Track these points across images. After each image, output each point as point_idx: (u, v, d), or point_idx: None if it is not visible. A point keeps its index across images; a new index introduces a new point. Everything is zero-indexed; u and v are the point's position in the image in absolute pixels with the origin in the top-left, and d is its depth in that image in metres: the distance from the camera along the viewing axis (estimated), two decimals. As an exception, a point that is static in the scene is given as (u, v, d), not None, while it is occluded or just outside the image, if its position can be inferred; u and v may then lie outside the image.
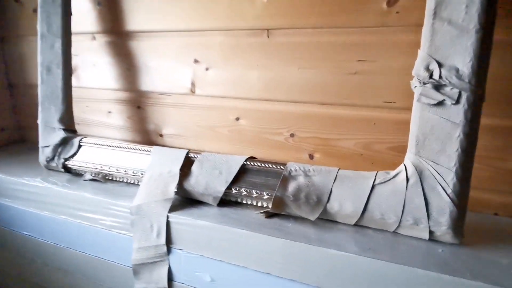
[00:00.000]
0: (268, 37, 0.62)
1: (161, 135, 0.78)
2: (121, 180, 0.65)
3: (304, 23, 0.59)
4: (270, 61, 0.63)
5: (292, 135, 0.65)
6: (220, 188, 0.55)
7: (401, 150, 0.57)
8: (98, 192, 0.61)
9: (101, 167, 0.65)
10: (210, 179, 0.55)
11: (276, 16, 0.60)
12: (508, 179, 0.53)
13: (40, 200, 0.66)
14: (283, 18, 0.60)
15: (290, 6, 0.59)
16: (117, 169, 0.64)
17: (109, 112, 0.82)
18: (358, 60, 0.56)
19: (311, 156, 0.65)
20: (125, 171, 0.63)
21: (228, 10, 0.63)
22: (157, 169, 0.58)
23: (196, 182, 0.56)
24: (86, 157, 0.68)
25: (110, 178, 0.66)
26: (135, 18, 0.72)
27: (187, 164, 0.59)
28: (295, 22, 0.59)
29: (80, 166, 0.67)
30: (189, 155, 0.59)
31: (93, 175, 0.66)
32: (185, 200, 0.58)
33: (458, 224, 0.44)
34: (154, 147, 0.62)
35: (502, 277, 0.39)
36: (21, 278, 0.76)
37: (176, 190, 0.56)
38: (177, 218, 0.54)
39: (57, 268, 0.69)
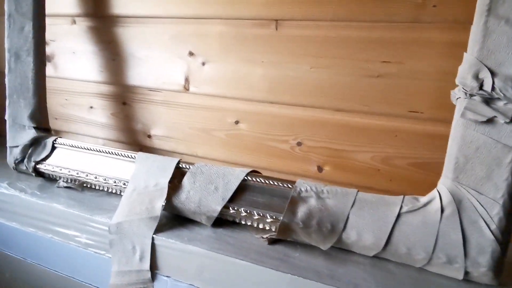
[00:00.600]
0: (276, 29, 0.53)
1: (149, 136, 0.69)
2: (100, 188, 0.56)
3: (320, 14, 0.50)
4: (278, 57, 0.54)
5: (299, 144, 0.57)
6: (215, 206, 0.46)
7: (426, 167, 0.50)
8: (73, 204, 0.53)
9: (77, 173, 0.56)
10: (204, 195, 0.47)
11: (287, 5, 0.51)
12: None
13: (6, 208, 0.57)
14: (296, 7, 0.51)
15: (304, -7, 0.50)
16: (96, 177, 0.55)
17: (91, 107, 0.72)
18: (383, 61, 0.48)
19: (320, 169, 0.57)
20: (105, 179, 0.54)
21: (230, -5, 0.54)
22: (142, 180, 0.50)
23: (187, 198, 0.48)
24: (61, 161, 0.59)
25: (88, 186, 0.57)
26: (121, 1, 0.62)
27: (178, 175, 0.50)
28: (309, 13, 0.50)
29: (53, 171, 0.58)
30: (180, 165, 0.51)
31: (68, 181, 0.57)
32: (174, 217, 0.50)
33: (499, 265, 0.37)
34: (139, 153, 0.53)
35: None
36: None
37: (163, 205, 0.48)
38: (164, 240, 0.45)
39: (27, 284, 0.61)
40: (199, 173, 0.49)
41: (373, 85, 0.50)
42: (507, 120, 0.34)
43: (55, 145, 0.60)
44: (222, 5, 0.55)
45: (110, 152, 0.55)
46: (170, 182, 0.49)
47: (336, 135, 0.54)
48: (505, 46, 0.34)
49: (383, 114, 0.50)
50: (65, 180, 0.58)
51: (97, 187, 0.56)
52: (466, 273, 0.37)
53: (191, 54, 0.60)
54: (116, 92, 0.69)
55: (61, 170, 0.58)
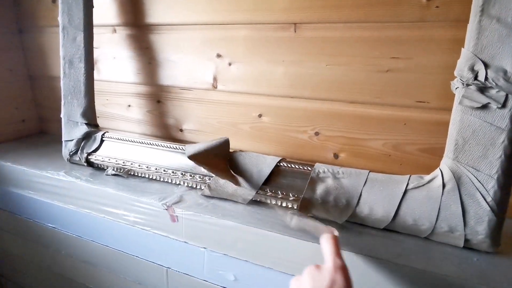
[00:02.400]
0: (295, 31, 0.60)
1: (181, 130, 0.77)
2: (143, 175, 0.65)
3: (335, 17, 0.56)
4: (297, 57, 0.61)
5: (316, 134, 0.63)
6: (251, 191, 0.54)
7: (433, 152, 0.55)
8: (121, 188, 0.61)
9: (123, 162, 0.65)
10: (241, 181, 0.55)
11: (304, 10, 0.58)
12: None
13: (63, 193, 0.66)
14: (312, 11, 0.57)
15: (320, -1, 0.56)
16: (139, 165, 0.64)
17: (129, 105, 0.81)
18: (392, 57, 0.54)
19: (336, 156, 0.63)
20: (147, 167, 0.63)
21: (253, 3, 0.61)
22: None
23: (226, 182, 0.55)
24: (109, 152, 0.68)
25: (132, 174, 0.66)
26: (156, 11, 0.70)
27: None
28: (324, 16, 0.57)
29: (102, 161, 0.67)
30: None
31: (116, 170, 0.66)
32: (210, 198, 0.58)
33: (496, 233, 0.42)
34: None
35: (545, 291, 0.37)
36: (46, 268, 0.77)
37: (204, 188, 0.56)
38: (200, 216, 0.53)
39: (81, 260, 0.70)
40: (234, 162, 0.57)
41: (384, 79, 0.55)
42: (499, 106, 0.39)
43: (104, 138, 0.69)
44: (247, 12, 0.62)
45: (151, 143, 0.64)
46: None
47: (350, 125, 0.60)
48: (497, 41, 0.39)
49: (393, 105, 0.56)
50: (113, 169, 0.66)
51: (140, 174, 0.65)
52: (466, 241, 0.43)
53: (218, 56, 0.67)
54: (152, 92, 0.77)
55: (109, 160, 0.67)
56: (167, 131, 0.79)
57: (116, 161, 0.66)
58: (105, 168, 0.68)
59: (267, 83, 0.64)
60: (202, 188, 0.58)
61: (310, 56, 0.59)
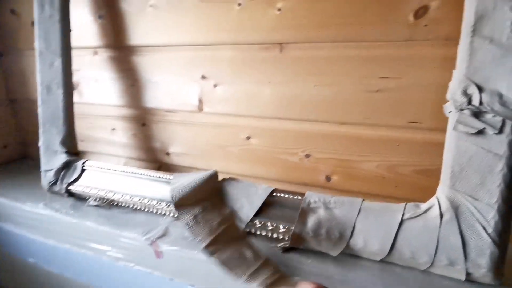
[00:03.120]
0: (281, 51, 0.57)
1: (167, 153, 0.74)
2: (126, 206, 0.61)
3: (321, 36, 0.54)
4: (284, 77, 0.58)
5: (307, 156, 0.61)
6: (240, 224, 0.51)
7: (428, 174, 0.53)
8: (103, 221, 0.58)
9: (105, 192, 0.62)
10: (230, 213, 0.52)
11: (290, 29, 0.55)
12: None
13: (43, 227, 0.63)
14: (298, 31, 0.55)
15: (306, 18, 0.54)
16: (122, 195, 0.60)
17: (113, 129, 0.78)
18: (381, 77, 0.52)
19: (328, 178, 0.60)
20: (130, 197, 0.60)
21: (238, 23, 0.59)
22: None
23: (214, 217, 0.52)
24: (90, 182, 0.64)
25: (115, 204, 0.63)
26: (138, 32, 0.68)
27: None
28: (311, 36, 0.54)
29: (83, 191, 0.64)
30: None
31: (97, 200, 0.63)
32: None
33: (498, 265, 0.39)
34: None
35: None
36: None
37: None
38: (186, 252, 0.50)
39: (63, 296, 0.66)
40: (224, 191, 0.54)
41: (373, 99, 0.53)
42: (496, 131, 0.37)
43: (84, 167, 0.66)
44: (231, 32, 0.60)
45: (134, 173, 0.61)
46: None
47: (342, 146, 0.58)
48: (490, 63, 0.37)
49: (385, 126, 0.54)
50: (94, 199, 0.63)
51: (123, 205, 0.62)
52: (468, 274, 0.40)
53: (203, 77, 0.65)
54: (136, 114, 0.74)
55: (90, 190, 0.63)
56: (153, 155, 0.76)
57: (98, 191, 0.63)
58: (87, 198, 0.65)
59: (255, 104, 0.62)
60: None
61: (297, 77, 0.57)
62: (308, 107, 0.58)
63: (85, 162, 0.66)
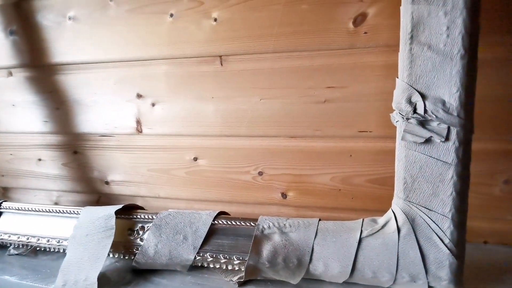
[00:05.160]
0: (221, 64, 0.53)
1: (107, 183, 0.66)
2: (55, 251, 0.52)
3: (262, 47, 0.51)
4: (227, 92, 0.54)
5: (260, 173, 0.57)
6: (187, 256, 0.45)
7: (382, 182, 0.52)
8: (27, 274, 0.48)
9: (27, 238, 0.52)
10: (173, 247, 0.45)
11: (228, 41, 0.51)
12: (495, 205, 0.49)
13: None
14: (237, 42, 0.51)
15: (244, 28, 0.51)
16: (48, 240, 0.51)
17: (39, 159, 0.68)
18: (327, 86, 0.50)
19: (284, 195, 0.57)
20: (58, 241, 0.51)
21: (171, 35, 0.54)
22: (73, 274, 0.45)
23: (157, 253, 0.45)
24: (9, 227, 0.54)
25: (41, 249, 0.53)
26: (58, 48, 0.60)
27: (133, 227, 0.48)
28: (251, 47, 0.51)
29: (1, 238, 0.54)
30: (137, 216, 0.48)
31: (19, 248, 0.53)
32: (139, 271, 0.47)
33: (458, 276, 0.38)
34: (71, 236, 0.48)
35: None
36: None
37: (133, 264, 0.46)
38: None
39: None
40: (164, 224, 0.47)
41: (322, 110, 0.51)
42: (442, 139, 0.36)
43: (1, 210, 0.55)
44: (164, 46, 0.54)
45: (61, 211, 0.52)
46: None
47: (294, 161, 0.55)
48: (431, 70, 0.36)
49: (335, 137, 0.52)
50: (15, 247, 0.53)
51: (51, 250, 0.52)
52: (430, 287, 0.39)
53: (139, 96, 0.58)
54: (65, 142, 0.65)
55: (9, 237, 0.53)
56: (90, 185, 0.67)
57: (19, 237, 0.53)
58: (7, 246, 0.54)
59: (198, 122, 0.57)
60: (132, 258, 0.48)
61: (241, 91, 0.53)
62: (256, 122, 0.54)
63: (1, 203, 0.55)
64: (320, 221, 0.43)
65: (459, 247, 0.37)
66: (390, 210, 0.41)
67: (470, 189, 0.49)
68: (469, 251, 0.48)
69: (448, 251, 0.37)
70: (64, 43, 0.59)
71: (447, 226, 0.37)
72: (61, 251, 0.52)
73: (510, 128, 0.46)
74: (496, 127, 0.46)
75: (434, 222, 0.38)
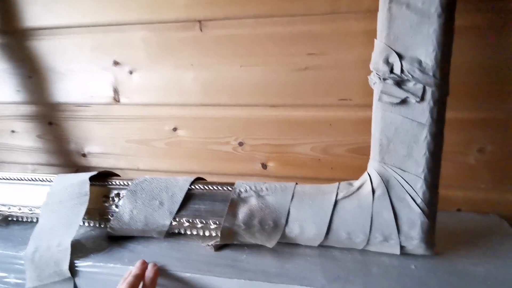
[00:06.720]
0: (201, 30, 0.52)
1: (84, 155, 0.64)
2: (27, 220, 0.51)
3: (242, 12, 0.49)
4: (207, 59, 0.53)
5: (240, 144, 0.56)
6: (164, 222, 0.44)
7: (362, 152, 0.52)
8: (-3, 242, 0.47)
9: (-1, 207, 0.51)
10: (149, 213, 0.44)
11: (208, 5, 0.50)
12: (470, 174, 0.50)
13: None
14: (217, 7, 0.50)
15: (224, -8, 0.49)
16: (19, 208, 0.50)
17: (13, 131, 0.65)
18: (308, 53, 0.49)
19: (264, 166, 0.57)
20: (30, 209, 0.49)
21: (149, -1, 0.52)
22: (45, 240, 0.44)
23: (132, 218, 0.45)
24: (-22, 196, 0.52)
25: (14, 219, 0.52)
26: (31, 12, 0.57)
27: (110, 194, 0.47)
28: (231, 11, 0.50)
29: (-30, 208, 0.52)
30: (112, 182, 0.47)
31: (-10, 217, 0.51)
32: (114, 238, 0.47)
33: (429, 235, 0.39)
34: (44, 204, 0.47)
35: (482, 293, 0.35)
36: None
37: (108, 230, 0.45)
38: (101, 267, 0.42)
39: None
40: (139, 190, 0.46)
41: (303, 78, 0.50)
42: (418, 100, 0.36)
43: (-31, 179, 0.53)
44: (141, 10, 0.52)
45: (33, 179, 0.50)
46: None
47: (275, 131, 0.54)
48: (409, 30, 0.36)
49: (316, 105, 0.51)
50: (-15, 217, 0.51)
51: (23, 219, 0.51)
52: (402, 247, 0.39)
53: (116, 63, 0.56)
54: (40, 112, 0.63)
55: (-21, 206, 0.51)
56: (67, 158, 0.65)
57: (-11, 206, 0.51)
58: (-24, 216, 0.52)
59: (178, 91, 0.55)
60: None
61: (221, 58, 0.52)
62: (237, 90, 0.53)
63: (-31, 172, 0.53)
64: (296, 185, 0.43)
65: (430, 207, 0.38)
66: (365, 172, 0.41)
67: (446, 158, 0.50)
68: (443, 218, 0.50)
69: (420, 211, 0.38)
70: (37, 6, 0.56)
71: (419, 186, 0.38)
72: (34, 220, 0.51)
73: (484, 97, 0.46)
74: (470, 96, 0.46)
75: (407, 183, 0.38)
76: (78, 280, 0.43)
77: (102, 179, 0.49)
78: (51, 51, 0.59)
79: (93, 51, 0.57)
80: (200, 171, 0.59)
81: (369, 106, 0.48)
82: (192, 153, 0.59)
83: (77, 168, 0.65)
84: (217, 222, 0.43)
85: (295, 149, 0.54)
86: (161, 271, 0.40)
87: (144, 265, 0.40)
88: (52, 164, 0.66)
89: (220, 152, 0.58)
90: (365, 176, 0.41)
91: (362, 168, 0.51)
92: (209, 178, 0.49)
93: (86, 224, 0.49)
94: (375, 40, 0.38)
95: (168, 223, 0.44)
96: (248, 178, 0.58)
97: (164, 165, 0.60)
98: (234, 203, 0.42)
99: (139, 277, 0.38)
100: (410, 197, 0.38)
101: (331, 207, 0.40)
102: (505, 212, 0.50)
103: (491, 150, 0.48)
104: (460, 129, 0.48)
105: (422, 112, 0.37)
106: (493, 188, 0.50)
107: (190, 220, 0.44)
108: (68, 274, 0.42)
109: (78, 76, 0.59)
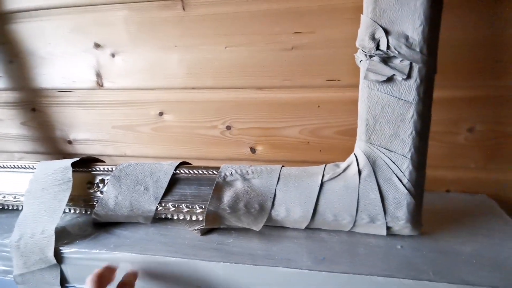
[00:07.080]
0: (184, 9, 0.50)
1: (69, 142, 0.63)
2: (13, 208, 0.50)
3: (226, -11, 0.47)
4: (191, 40, 0.51)
5: (228, 128, 0.55)
6: (149, 207, 0.43)
7: (351, 133, 0.51)
8: (-19, 230, 0.46)
9: (-18, 195, 0.50)
10: (134, 198, 0.44)
11: (190, -18, 0.48)
12: (459, 153, 0.50)
13: None
14: (199, -17, 0.48)
15: (206, -32, 0.47)
16: (4, 196, 0.49)
17: (-4, 118, 0.64)
18: (295, 32, 0.47)
19: (253, 150, 0.56)
20: (14, 197, 0.48)
21: (128, -24, 0.49)
22: (29, 227, 0.43)
23: (117, 204, 0.44)
24: (-39, 184, 0.51)
25: (-1, 208, 0.51)
26: (6, -7, 0.54)
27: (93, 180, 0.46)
28: (214, -11, 0.48)
29: (-46, 197, 0.51)
30: (96, 168, 0.46)
31: (-26, 206, 0.50)
32: (101, 225, 0.46)
33: (416, 216, 0.38)
34: (27, 191, 0.46)
35: (466, 272, 0.35)
36: None
37: (93, 216, 0.44)
38: (86, 253, 0.42)
39: None
40: (123, 175, 0.45)
41: (290, 58, 0.49)
42: (404, 77, 0.35)
43: (-49, 167, 0.52)
44: (121, -12, 0.50)
45: (16, 166, 0.49)
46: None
47: (263, 113, 0.53)
48: (395, 3, 0.35)
49: (304, 86, 0.50)
50: (-31, 205, 0.51)
51: (8, 207, 0.50)
52: (388, 228, 0.39)
53: (97, 46, 0.54)
54: (22, 98, 0.61)
55: (-38, 194, 0.50)
56: (52, 145, 0.64)
57: (-28, 195, 0.50)
58: (-40, 205, 0.51)
59: (162, 74, 0.54)
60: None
61: (205, 38, 0.50)
62: (222, 72, 0.52)
63: (-50, 161, 0.52)
64: (283, 167, 0.42)
65: (417, 187, 0.38)
66: (352, 154, 0.40)
67: (435, 138, 0.49)
68: (432, 199, 0.50)
69: (406, 191, 0.37)
70: (12, -14, 0.54)
71: (406, 166, 0.37)
72: (20, 208, 0.50)
73: (474, 74, 0.45)
74: (460, 73, 0.45)
75: (393, 162, 0.37)
76: (64, 267, 0.43)
77: (86, 165, 0.48)
78: (30, 34, 0.56)
79: (72, 33, 0.55)
80: (188, 156, 0.58)
81: (357, 86, 0.47)
82: (180, 138, 0.58)
83: (64, 155, 0.64)
84: (203, 207, 0.43)
85: (283, 132, 0.53)
86: (146, 258, 0.40)
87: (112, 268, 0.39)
88: (38, 152, 0.65)
89: (208, 137, 0.57)
90: (351, 157, 0.40)
91: (351, 150, 0.50)
92: (197, 164, 0.48)
93: (72, 211, 0.49)
94: (361, 15, 0.37)
95: (153, 208, 0.44)
96: (237, 162, 0.57)
97: (151, 150, 0.59)
98: (219, 187, 0.41)
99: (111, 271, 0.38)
100: (396, 178, 0.37)
101: (317, 189, 0.40)
102: (495, 192, 0.50)
103: (481, 129, 0.47)
104: (449, 107, 0.47)
105: (409, 90, 0.35)
106: (483, 168, 0.49)
107: (176, 205, 0.43)
108: (54, 260, 0.42)
109: (59, 60, 0.57)
